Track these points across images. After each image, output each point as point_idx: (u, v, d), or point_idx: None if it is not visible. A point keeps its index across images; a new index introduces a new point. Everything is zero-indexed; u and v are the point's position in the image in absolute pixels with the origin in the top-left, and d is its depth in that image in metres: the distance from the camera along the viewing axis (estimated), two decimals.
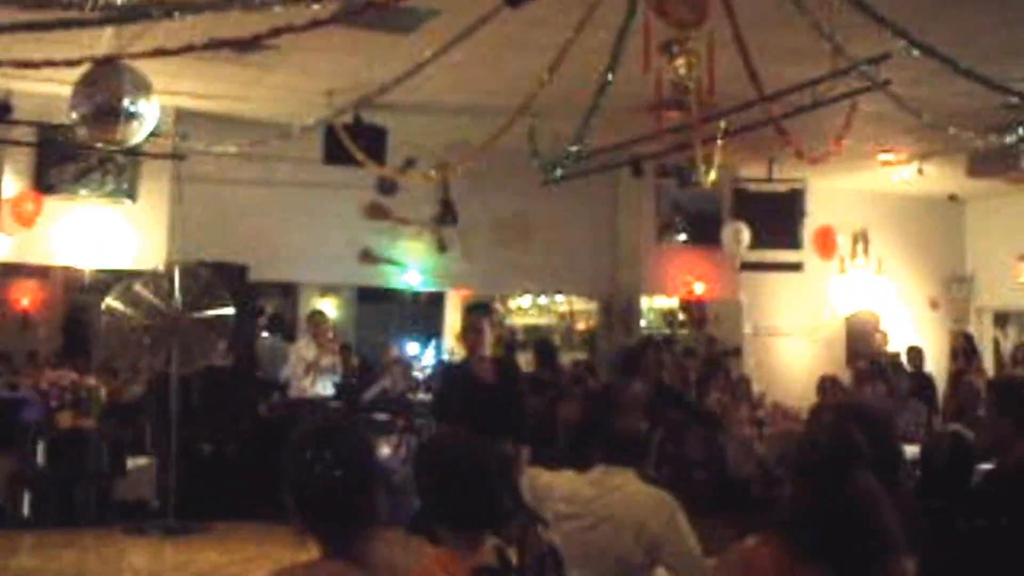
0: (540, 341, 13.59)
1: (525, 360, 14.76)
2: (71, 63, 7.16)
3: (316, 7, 6.38)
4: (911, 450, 9.87)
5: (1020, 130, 9.60)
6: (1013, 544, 4.18)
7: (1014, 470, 4.35)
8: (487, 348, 7.81)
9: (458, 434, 3.46)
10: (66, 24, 6.27)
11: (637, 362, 8.83)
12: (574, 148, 8.98)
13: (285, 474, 2.88)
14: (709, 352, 15.17)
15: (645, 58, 6.47)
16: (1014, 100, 9.01)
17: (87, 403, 10.87)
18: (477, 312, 8.23)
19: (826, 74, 8.36)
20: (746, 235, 14.41)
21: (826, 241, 14.55)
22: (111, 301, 10.83)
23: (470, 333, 7.89)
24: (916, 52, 7.33)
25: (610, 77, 7.41)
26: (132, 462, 11.29)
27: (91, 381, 11.09)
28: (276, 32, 6.66)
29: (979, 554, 4.22)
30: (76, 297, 12.62)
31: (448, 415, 7.69)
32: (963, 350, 13.60)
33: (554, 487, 4.88)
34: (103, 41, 7.96)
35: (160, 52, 7.14)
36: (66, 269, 12.17)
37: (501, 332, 8.23)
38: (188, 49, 7.07)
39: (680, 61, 6.47)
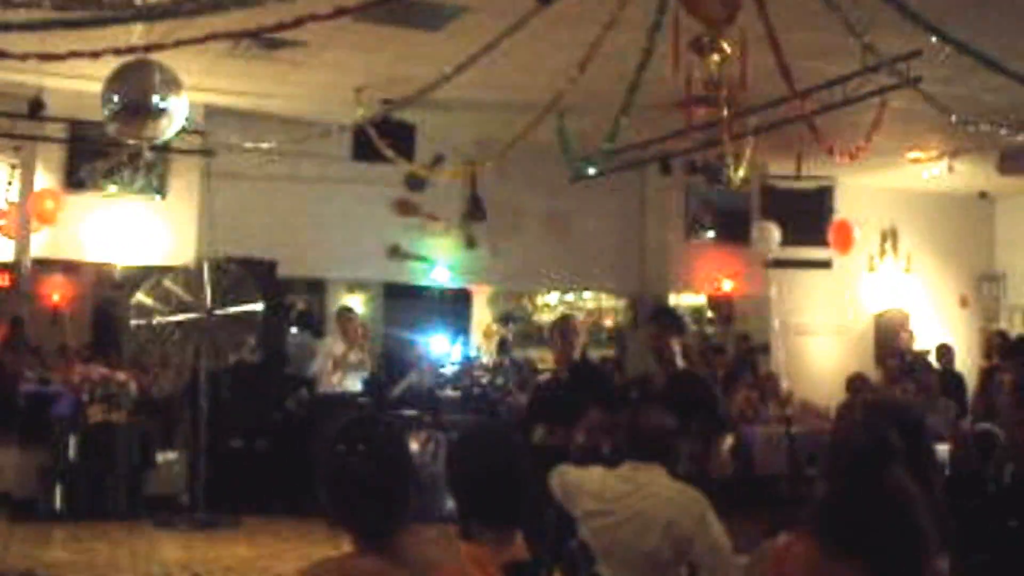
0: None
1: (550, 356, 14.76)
2: (95, 55, 7.20)
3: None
4: (941, 449, 9.86)
5: None
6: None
7: None
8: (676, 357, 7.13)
9: (490, 430, 3.47)
10: (96, 22, 6.31)
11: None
12: (606, 145, 8.96)
13: (318, 468, 2.89)
14: (739, 349, 15.13)
15: (673, 55, 6.46)
16: None
17: (117, 397, 10.94)
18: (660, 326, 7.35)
19: (856, 71, 8.32)
20: (776, 235, 14.37)
21: (843, 235, 14.43)
22: (141, 296, 10.89)
23: (654, 341, 7.20)
24: (948, 48, 7.30)
25: (641, 74, 7.40)
26: (162, 456, 11.35)
27: (121, 376, 11.16)
28: (299, 21, 6.66)
29: (1011, 555, 4.20)
30: (106, 292, 12.66)
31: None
32: (997, 347, 13.49)
33: (583, 484, 4.89)
34: (132, 36, 7.98)
35: (182, 42, 7.17)
36: (97, 265, 12.23)
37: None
38: (211, 37, 7.09)
39: (713, 58, 6.45)
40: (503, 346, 15.85)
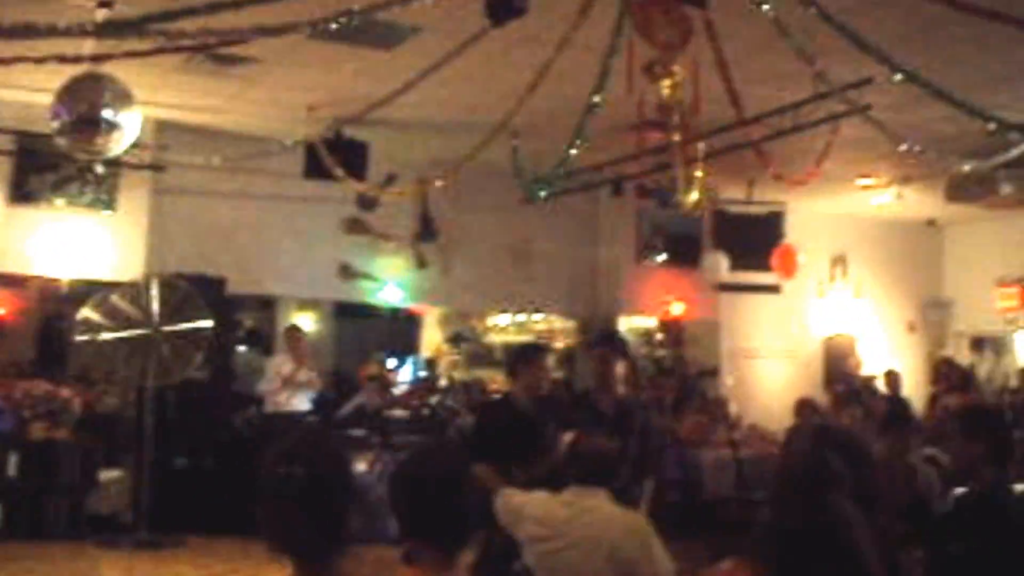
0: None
1: (501, 378, 14.75)
2: (40, 61, 7.13)
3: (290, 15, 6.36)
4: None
5: (998, 156, 9.64)
6: (982, 571, 4.19)
7: (982, 496, 4.37)
8: (617, 383, 7.12)
9: (433, 449, 3.41)
10: (46, 33, 6.24)
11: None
12: (559, 168, 8.97)
13: (258, 491, 2.85)
14: (681, 373, 15.18)
15: (628, 79, 6.48)
16: (992, 126, 9.06)
17: (60, 414, 10.80)
18: (605, 348, 7.43)
19: (807, 98, 8.39)
20: (724, 264, 14.45)
21: (787, 260, 14.50)
22: (88, 312, 10.76)
23: (599, 365, 7.19)
24: (898, 77, 7.38)
25: (597, 99, 7.42)
26: (105, 474, 11.20)
27: (65, 392, 11.03)
28: (247, 35, 6.61)
29: None
30: (52, 307, 12.51)
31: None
32: (944, 374, 13.64)
33: (527, 508, 4.87)
34: (82, 47, 7.90)
35: (132, 53, 7.11)
36: (43, 278, 12.08)
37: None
38: (160, 51, 7.04)
39: (664, 82, 6.49)
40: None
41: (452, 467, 3.20)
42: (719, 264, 14.46)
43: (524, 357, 7.30)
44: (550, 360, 7.65)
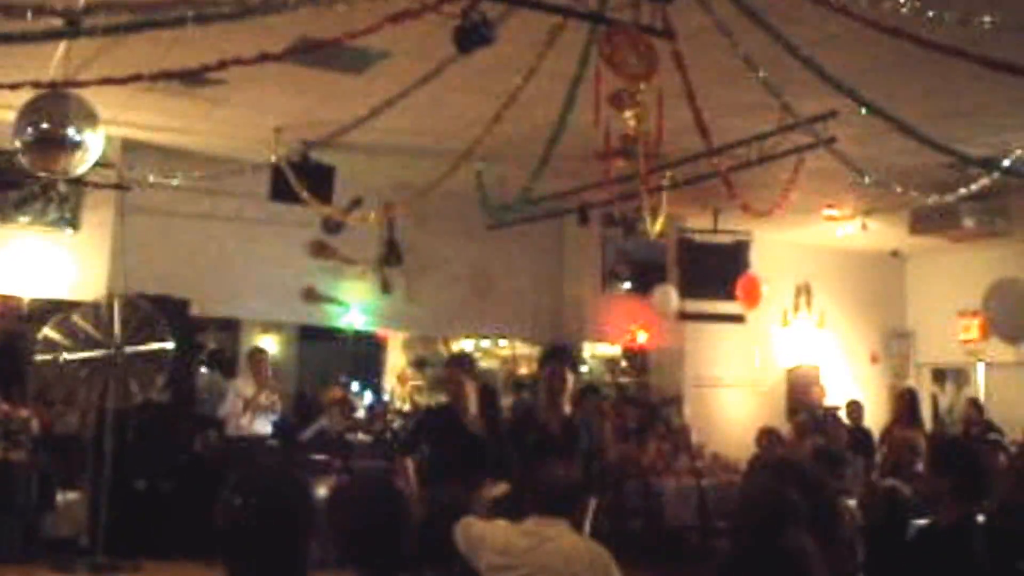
0: (483, 386, 13.55)
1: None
2: (14, 87, 7.08)
3: (267, 43, 6.37)
4: (848, 504, 9.94)
5: (961, 189, 9.73)
6: None
7: (947, 529, 4.39)
8: (566, 398, 7.47)
9: (371, 479, 3.38)
10: (10, 39, 6.19)
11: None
12: (525, 195, 8.99)
13: (219, 518, 2.83)
14: (643, 401, 15.18)
15: (596, 109, 6.51)
16: (956, 160, 9.15)
17: (18, 435, 10.67)
18: (556, 361, 7.80)
19: (773, 129, 8.44)
20: (674, 297, 14.52)
21: (751, 290, 14.53)
22: (48, 331, 10.66)
23: (549, 380, 7.54)
24: (863, 111, 7.44)
25: (562, 124, 7.45)
26: (62, 496, 11.09)
27: (23, 412, 10.89)
28: (224, 64, 6.61)
29: None
30: (12, 326, 12.38)
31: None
32: (909, 407, 13.70)
33: (487, 537, 4.84)
34: (49, 68, 7.87)
35: (108, 80, 7.09)
36: (3, 297, 11.97)
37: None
38: (136, 78, 7.02)
39: (629, 112, 6.52)
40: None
41: (389, 497, 3.16)
42: (669, 297, 14.52)
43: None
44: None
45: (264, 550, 2.75)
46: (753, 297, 14.46)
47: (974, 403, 14.04)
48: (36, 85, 7.21)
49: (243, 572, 2.78)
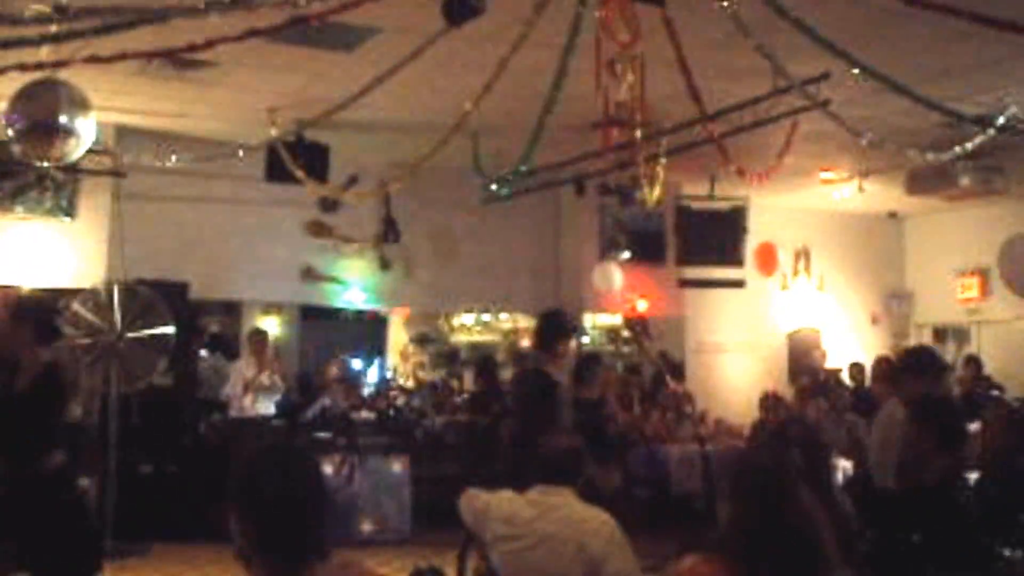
0: (481, 358, 13.57)
1: (468, 377, 14.75)
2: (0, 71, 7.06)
3: (252, 19, 6.34)
4: (848, 465, 10.00)
5: (956, 148, 9.73)
6: (929, 557, 4.24)
7: (932, 486, 4.41)
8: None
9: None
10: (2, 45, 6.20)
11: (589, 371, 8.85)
12: (520, 167, 8.97)
13: (234, 496, 2.80)
14: (659, 368, 15.18)
15: (597, 76, 6.50)
16: (950, 119, 9.14)
17: None
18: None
19: (767, 93, 8.42)
20: (617, 276, 14.55)
21: (767, 258, 14.56)
22: None
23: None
24: (856, 72, 7.42)
25: (555, 94, 7.42)
26: None
27: None
28: (212, 43, 6.59)
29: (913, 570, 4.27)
30: None
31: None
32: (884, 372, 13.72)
33: (492, 508, 4.86)
34: (37, 53, 7.83)
35: (94, 59, 7.06)
36: (2, 287, 11.97)
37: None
38: (121, 57, 7.00)
39: (627, 79, 6.51)
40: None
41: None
42: (610, 274, 14.50)
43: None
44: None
45: (293, 526, 2.73)
46: (770, 264, 14.45)
47: (973, 360, 14.02)
48: (22, 68, 7.17)
49: (271, 549, 2.75)
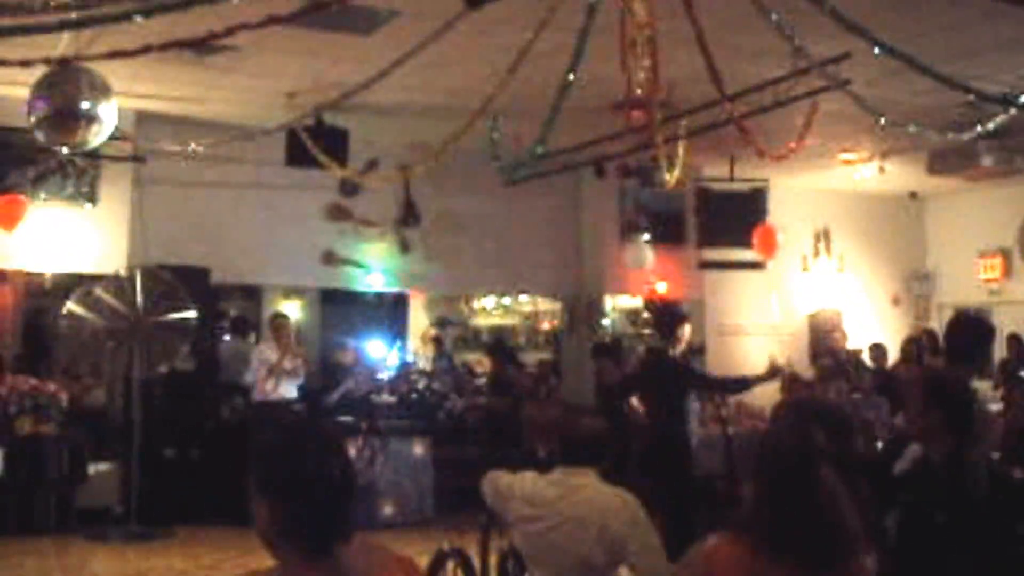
0: (493, 342, 13.58)
1: (487, 361, 14.73)
2: (25, 64, 7.09)
3: (272, 5, 6.34)
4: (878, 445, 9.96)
5: (978, 128, 9.67)
6: (943, 537, 4.24)
7: (940, 463, 4.40)
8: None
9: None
10: (24, 31, 6.22)
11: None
12: (539, 150, 8.95)
13: (261, 479, 2.79)
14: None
15: (622, 55, 6.48)
16: (971, 98, 9.08)
17: (47, 409, 10.77)
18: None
19: (787, 74, 8.39)
20: (649, 254, 14.72)
21: (767, 239, 14.44)
22: (72, 305, 10.75)
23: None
24: (877, 51, 7.38)
25: (571, 77, 7.40)
26: (94, 468, 11.19)
27: (51, 387, 10.98)
28: (231, 30, 6.59)
29: (938, 551, 4.27)
30: (36, 301, 12.46)
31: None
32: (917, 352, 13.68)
33: (515, 488, 4.88)
34: (60, 43, 7.87)
35: (118, 54, 7.08)
36: (26, 273, 12.04)
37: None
38: (145, 50, 7.01)
39: (645, 61, 6.48)
40: (439, 346, 15.83)
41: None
42: (642, 253, 14.62)
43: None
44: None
45: (328, 507, 2.71)
46: (770, 247, 14.39)
47: (1015, 339, 13.85)
48: (47, 62, 7.22)
49: (293, 537, 2.74)
